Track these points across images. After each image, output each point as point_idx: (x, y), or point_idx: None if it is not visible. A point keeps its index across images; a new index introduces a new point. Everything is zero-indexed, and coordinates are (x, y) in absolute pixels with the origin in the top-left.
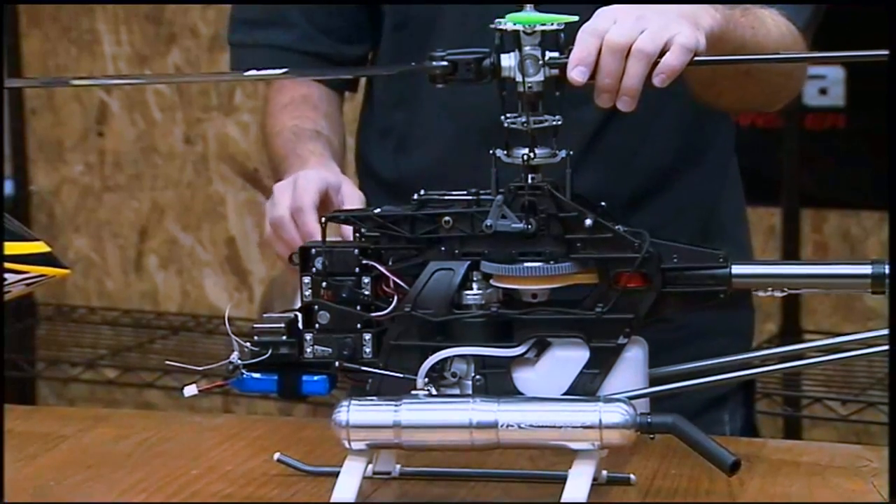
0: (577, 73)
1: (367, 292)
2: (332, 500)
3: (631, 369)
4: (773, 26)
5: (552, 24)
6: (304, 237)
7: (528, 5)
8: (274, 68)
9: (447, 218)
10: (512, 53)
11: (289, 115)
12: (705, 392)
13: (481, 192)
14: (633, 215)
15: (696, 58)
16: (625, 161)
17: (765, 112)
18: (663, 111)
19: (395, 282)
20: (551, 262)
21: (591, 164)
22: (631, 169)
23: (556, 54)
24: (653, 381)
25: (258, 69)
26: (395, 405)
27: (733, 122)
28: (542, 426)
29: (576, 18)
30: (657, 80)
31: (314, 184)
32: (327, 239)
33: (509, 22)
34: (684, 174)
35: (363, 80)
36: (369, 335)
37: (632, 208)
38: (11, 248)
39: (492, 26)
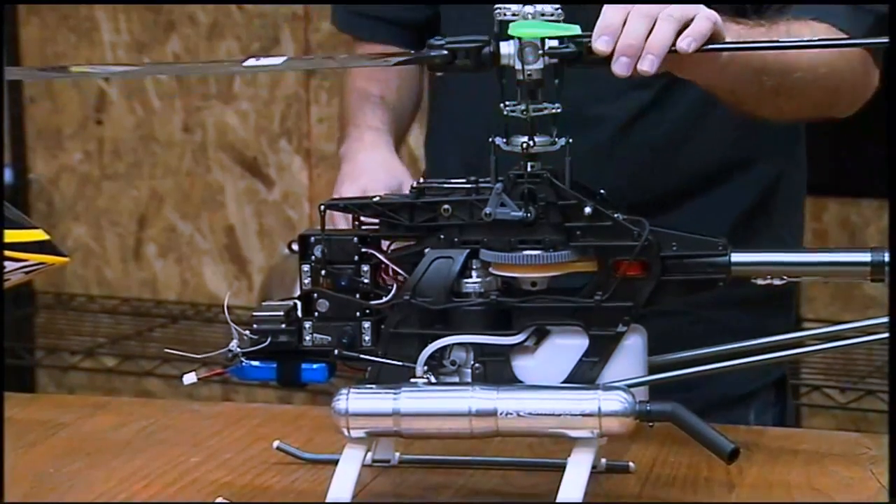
0: (601, 43)
1: (366, 280)
2: (331, 488)
3: (630, 357)
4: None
5: (557, 39)
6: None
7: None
8: (275, 57)
9: (446, 206)
10: (511, 41)
11: (362, 76)
12: (727, 388)
13: (480, 180)
14: (661, 215)
15: (710, 46)
16: (656, 161)
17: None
18: (709, 112)
19: (394, 270)
20: (550, 250)
21: (617, 159)
22: (664, 170)
23: (555, 43)
24: (652, 369)
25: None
26: (395, 393)
27: (801, 129)
28: (541, 414)
29: (577, 29)
30: (684, 44)
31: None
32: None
33: (515, 32)
34: (725, 182)
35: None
36: (368, 323)
37: (660, 209)
38: (10, 235)
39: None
